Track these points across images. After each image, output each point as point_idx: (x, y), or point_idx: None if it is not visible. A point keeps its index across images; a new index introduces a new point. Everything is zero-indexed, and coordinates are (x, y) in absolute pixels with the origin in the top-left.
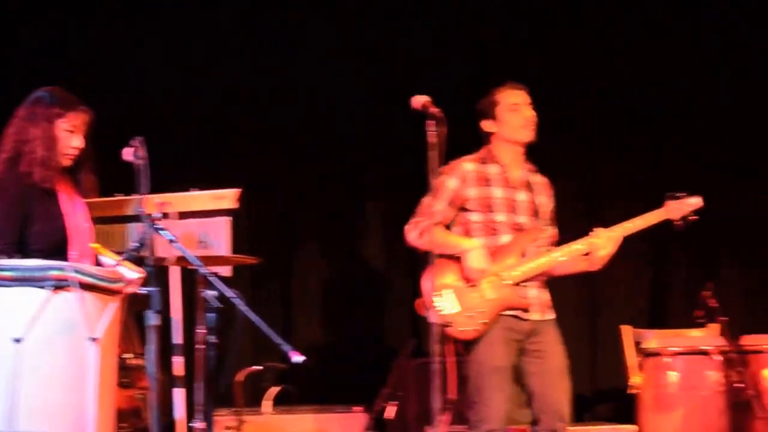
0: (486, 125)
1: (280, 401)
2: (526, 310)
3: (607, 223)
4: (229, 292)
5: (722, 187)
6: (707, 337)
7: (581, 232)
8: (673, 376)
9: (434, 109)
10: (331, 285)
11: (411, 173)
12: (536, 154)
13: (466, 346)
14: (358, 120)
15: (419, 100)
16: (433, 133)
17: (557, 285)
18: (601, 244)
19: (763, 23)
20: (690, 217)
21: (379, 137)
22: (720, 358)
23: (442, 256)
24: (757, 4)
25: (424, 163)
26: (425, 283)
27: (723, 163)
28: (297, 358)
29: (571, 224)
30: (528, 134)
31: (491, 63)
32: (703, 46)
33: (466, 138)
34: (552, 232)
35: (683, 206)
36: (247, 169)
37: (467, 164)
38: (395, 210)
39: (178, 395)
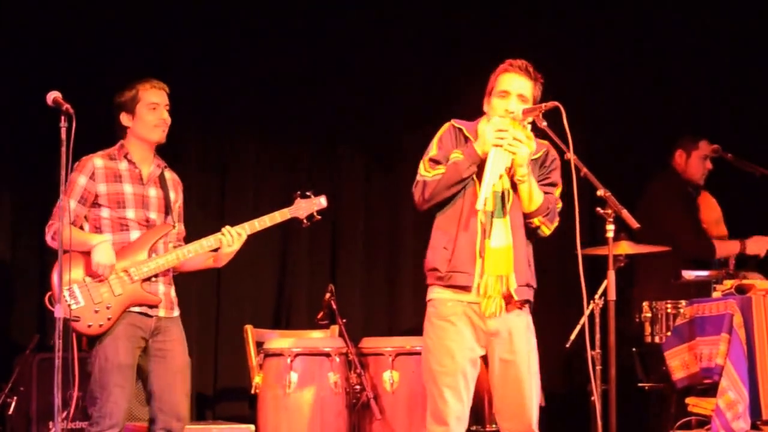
0: (123, 119)
1: None
2: (153, 306)
3: (235, 221)
4: None
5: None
6: (328, 338)
7: (210, 228)
8: (293, 376)
9: (66, 105)
10: None
11: (42, 164)
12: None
13: (90, 342)
14: None
15: (51, 96)
16: (63, 128)
17: (182, 282)
18: (229, 241)
19: None
20: (315, 217)
21: (11, 129)
22: (339, 359)
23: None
24: None
25: (55, 156)
26: (54, 277)
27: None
28: None
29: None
30: (160, 135)
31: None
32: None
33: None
34: (180, 228)
35: (310, 205)
36: None
37: (97, 160)
38: (23, 201)
39: None
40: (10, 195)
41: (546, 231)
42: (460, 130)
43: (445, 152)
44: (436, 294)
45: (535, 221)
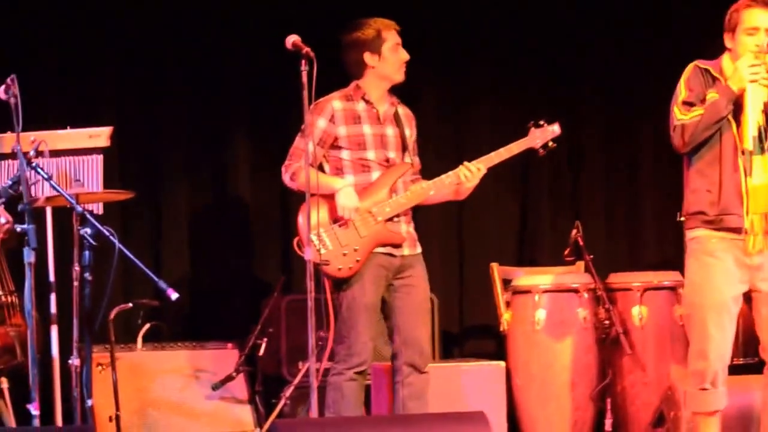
0: (368, 59)
1: (151, 338)
2: (398, 246)
3: (472, 155)
4: (104, 230)
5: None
6: (575, 274)
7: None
8: (541, 313)
9: (306, 49)
10: (201, 221)
11: (279, 109)
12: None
13: (338, 283)
14: (227, 54)
15: (290, 40)
16: (304, 72)
17: (424, 221)
18: (468, 176)
19: None
20: (550, 145)
21: (249, 73)
22: (588, 295)
23: (315, 195)
24: None
25: (292, 100)
26: (300, 221)
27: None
28: (173, 294)
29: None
30: (402, 75)
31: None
32: None
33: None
34: (416, 161)
35: (545, 134)
36: (114, 103)
37: (335, 102)
38: (264, 145)
39: (53, 332)
40: (249, 138)
41: None
42: (707, 70)
43: (697, 94)
44: (700, 233)
45: None
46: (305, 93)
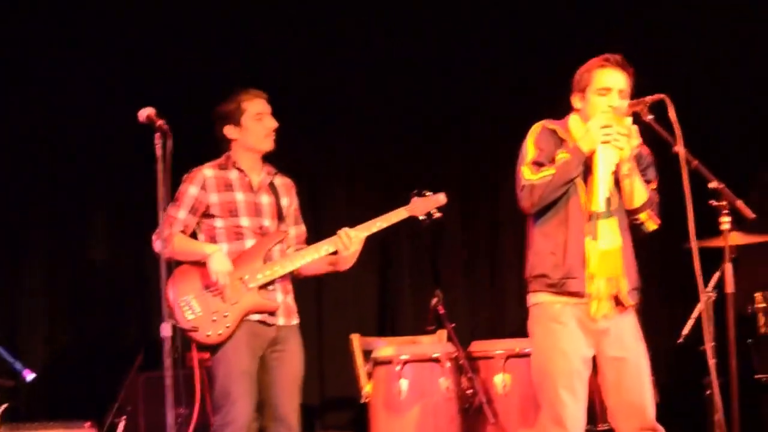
0: (228, 131)
1: (6, 419)
2: (272, 314)
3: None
4: None
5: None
6: (437, 343)
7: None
8: (403, 383)
9: (160, 121)
10: (58, 297)
11: (139, 182)
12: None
13: (211, 351)
14: (87, 128)
15: (144, 113)
16: (158, 145)
17: None
18: (345, 243)
19: None
20: (435, 214)
21: (108, 146)
22: (450, 364)
23: (185, 263)
24: None
25: (153, 173)
26: (168, 290)
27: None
28: (29, 375)
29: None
30: (270, 144)
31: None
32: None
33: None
34: (300, 230)
35: (428, 203)
36: None
37: (207, 170)
38: (123, 218)
39: None
40: (112, 212)
41: (652, 226)
42: (554, 131)
43: (546, 153)
44: (543, 298)
45: (642, 216)
46: (160, 166)
